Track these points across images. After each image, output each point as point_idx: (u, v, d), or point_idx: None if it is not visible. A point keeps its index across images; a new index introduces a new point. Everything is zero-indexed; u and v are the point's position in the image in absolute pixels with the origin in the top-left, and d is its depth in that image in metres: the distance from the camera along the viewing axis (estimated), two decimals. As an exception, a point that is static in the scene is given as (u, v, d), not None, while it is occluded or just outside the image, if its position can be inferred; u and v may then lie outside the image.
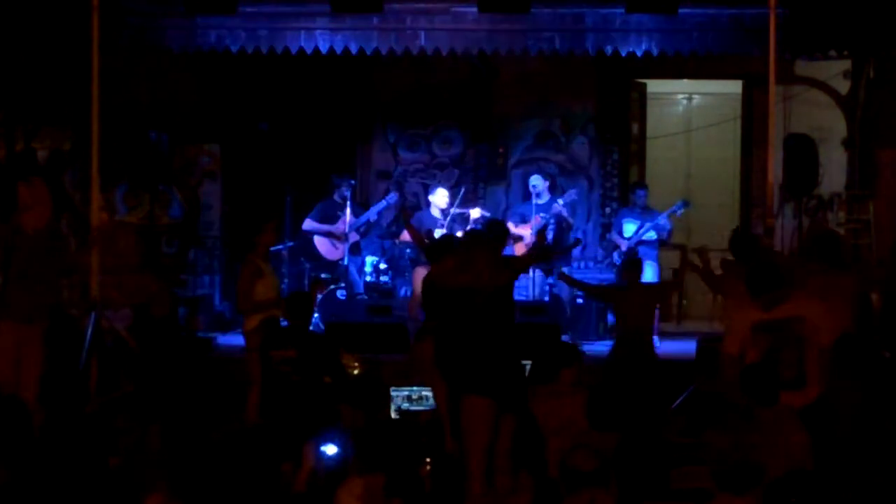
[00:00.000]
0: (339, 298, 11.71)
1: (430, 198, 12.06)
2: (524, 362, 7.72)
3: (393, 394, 8.54)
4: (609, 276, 12.50)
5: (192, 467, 5.58)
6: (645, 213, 11.90)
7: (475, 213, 12.05)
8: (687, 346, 10.97)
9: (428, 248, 8.91)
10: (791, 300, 7.17)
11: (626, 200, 12.71)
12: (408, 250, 12.26)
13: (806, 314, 7.11)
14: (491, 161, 13.22)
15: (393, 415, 8.49)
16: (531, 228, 11.58)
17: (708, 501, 5.25)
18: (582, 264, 12.99)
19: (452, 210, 11.91)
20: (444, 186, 12.21)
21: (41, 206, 9.23)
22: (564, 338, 11.01)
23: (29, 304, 8.18)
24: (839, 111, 12.84)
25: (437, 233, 11.36)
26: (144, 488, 5.73)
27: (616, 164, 13.29)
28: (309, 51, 10.89)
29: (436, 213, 11.90)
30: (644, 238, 11.80)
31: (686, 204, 12.08)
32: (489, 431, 7.05)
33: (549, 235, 11.36)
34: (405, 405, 8.49)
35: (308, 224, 11.92)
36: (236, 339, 11.70)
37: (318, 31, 10.85)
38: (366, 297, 11.84)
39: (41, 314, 8.29)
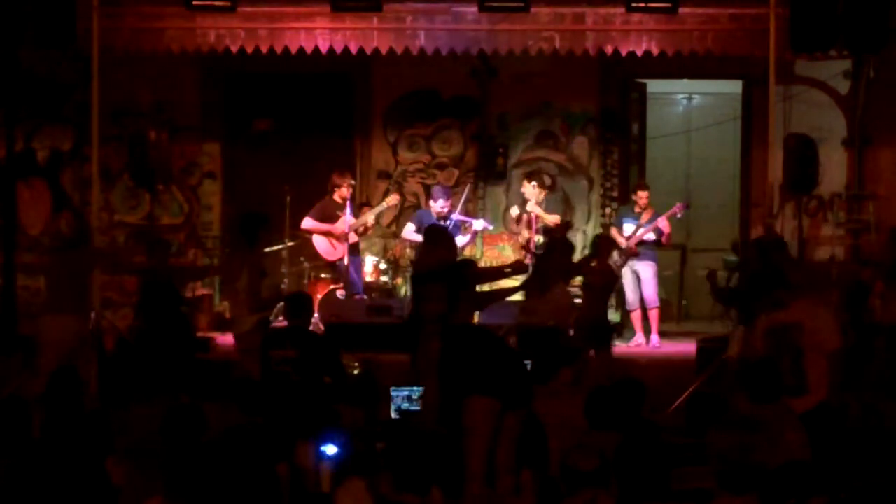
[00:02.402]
0: (338, 298, 11.70)
1: (431, 202, 11.98)
2: (525, 362, 7.74)
3: (393, 394, 8.53)
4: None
5: (190, 469, 5.57)
6: (645, 213, 11.90)
7: (478, 224, 12.01)
8: (687, 347, 10.98)
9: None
10: (791, 306, 7.18)
11: (626, 200, 12.71)
12: (408, 250, 12.26)
13: (805, 320, 7.12)
14: (491, 161, 13.21)
15: (393, 415, 8.47)
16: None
17: (708, 502, 5.24)
18: (582, 264, 12.98)
19: (454, 216, 11.86)
20: (443, 195, 12.05)
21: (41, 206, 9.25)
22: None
23: None
24: (839, 111, 12.84)
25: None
26: (144, 490, 5.72)
27: (616, 164, 13.29)
28: (309, 51, 10.90)
29: (433, 212, 11.87)
30: (644, 239, 11.80)
31: (686, 206, 12.08)
32: (491, 432, 7.05)
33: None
34: (405, 405, 8.47)
35: (307, 223, 11.89)
36: (236, 339, 11.74)
37: (318, 31, 10.86)
38: (366, 297, 11.83)
39: None
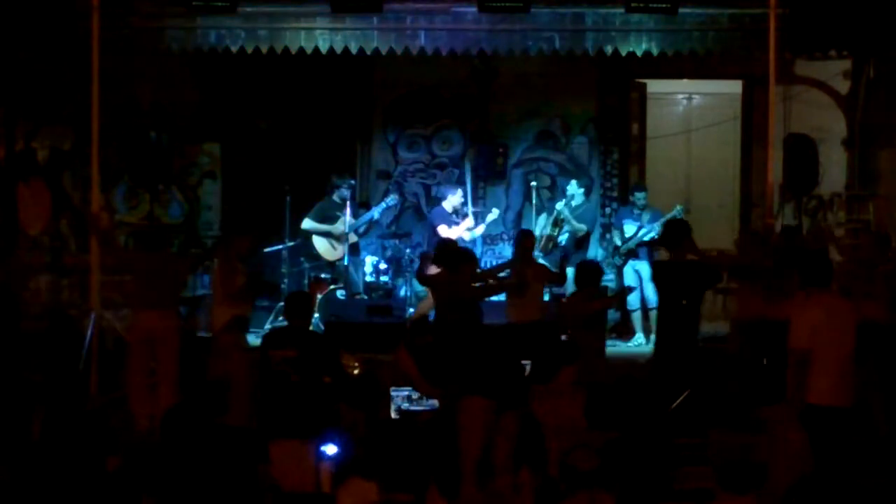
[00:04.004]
0: (339, 298, 11.70)
1: (450, 196, 12.00)
2: (524, 362, 7.75)
3: (393, 394, 8.54)
4: (609, 276, 12.49)
5: (182, 469, 5.57)
6: (644, 214, 11.90)
7: (492, 215, 12.09)
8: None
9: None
10: (796, 298, 7.11)
11: (627, 200, 12.71)
12: (408, 250, 12.27)
13: (792, 315, 7.08)
14: (491, 161, 13.22)
15: (393, 415, 8.48)
16: None
17: (709, 502, 5.25)
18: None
19: (465, 210, 11.93)
20: (460, 188, 12.13)
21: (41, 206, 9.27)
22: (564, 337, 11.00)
23: None
24: (839, 111, 12.83)
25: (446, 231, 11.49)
26: (142, 489, 5.73)
27: (616, 164, 13.29)
28: (309, 51, 10.89)
29: (448, 207, 11.92)
30: (644, 239, 11.79)
31: (685, 210, 12.08)
32: (486, 433, 7.07)
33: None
34: (405, 405, 8.48)
35: (307, 223, 11.91)
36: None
37: (318, 31, 10.85)
38: (366, 298, 11.84)
39: None
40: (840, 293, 7.48)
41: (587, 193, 12.06)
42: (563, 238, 11.86)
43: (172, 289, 9.48)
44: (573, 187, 11.99)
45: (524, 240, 10.20)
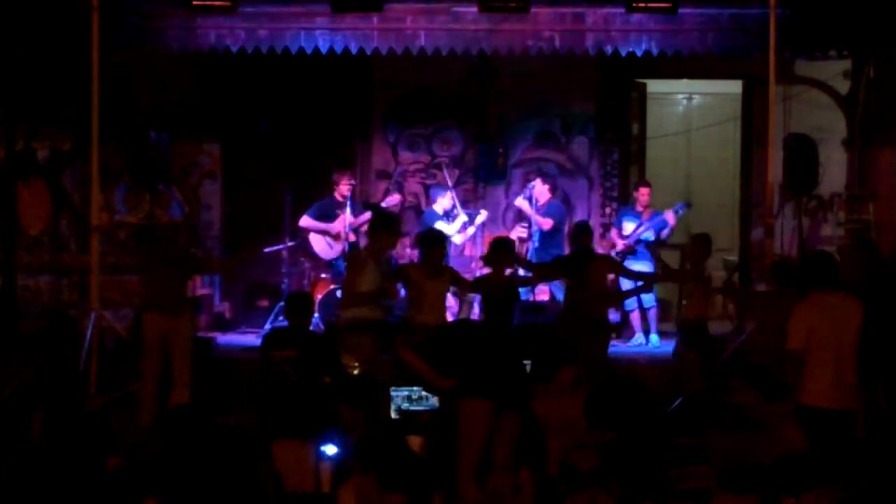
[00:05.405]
0: (338, 298, 11.68)
1: (439, 199, 12.01)
2: (524, 362, 7.73)
3: (393, 394, 8.52)
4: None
5: (185, 470, 5.57)
6: (646, 212, 11.90)
7: (481, 217, 12.10)
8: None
9: None
10: (802, 300, 7.10)
11: (626, 200, 12.71)
12: (407, 250, 12.26)
13: (791, 316, 7.07)
14: (491, 161, 13.22)
15: (393, 415, 8.47)
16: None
17: (708, 502, 5.25)
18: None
19: (456, 212, 11.93)
20: (450, 190, 12.15)
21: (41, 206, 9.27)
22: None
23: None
24: (839, 111, 12.84)
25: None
26: (142, 491, 5.73)
27: (616, 164, 13.29)
28: (309, 51, 10.90)
29: (439, 210, 11.92)
30: (642, 238, 11.79)
31: (687, 206, 12.08)
32: (486, 435, 7.05)
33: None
34: (405, 405, 8.46)
35: (304, 221, 11.87)
36: (236, 340, 11.74)
37: (318, 31, 10.86)
38: (366, 298, 11.81)
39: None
40: (846, 293, 7.44)
41: (551, 189, 12.05)
42: (533, 235, 11.80)
43: (182, 289, 9.53)
44: (538, 185, 11.95)
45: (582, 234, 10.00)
